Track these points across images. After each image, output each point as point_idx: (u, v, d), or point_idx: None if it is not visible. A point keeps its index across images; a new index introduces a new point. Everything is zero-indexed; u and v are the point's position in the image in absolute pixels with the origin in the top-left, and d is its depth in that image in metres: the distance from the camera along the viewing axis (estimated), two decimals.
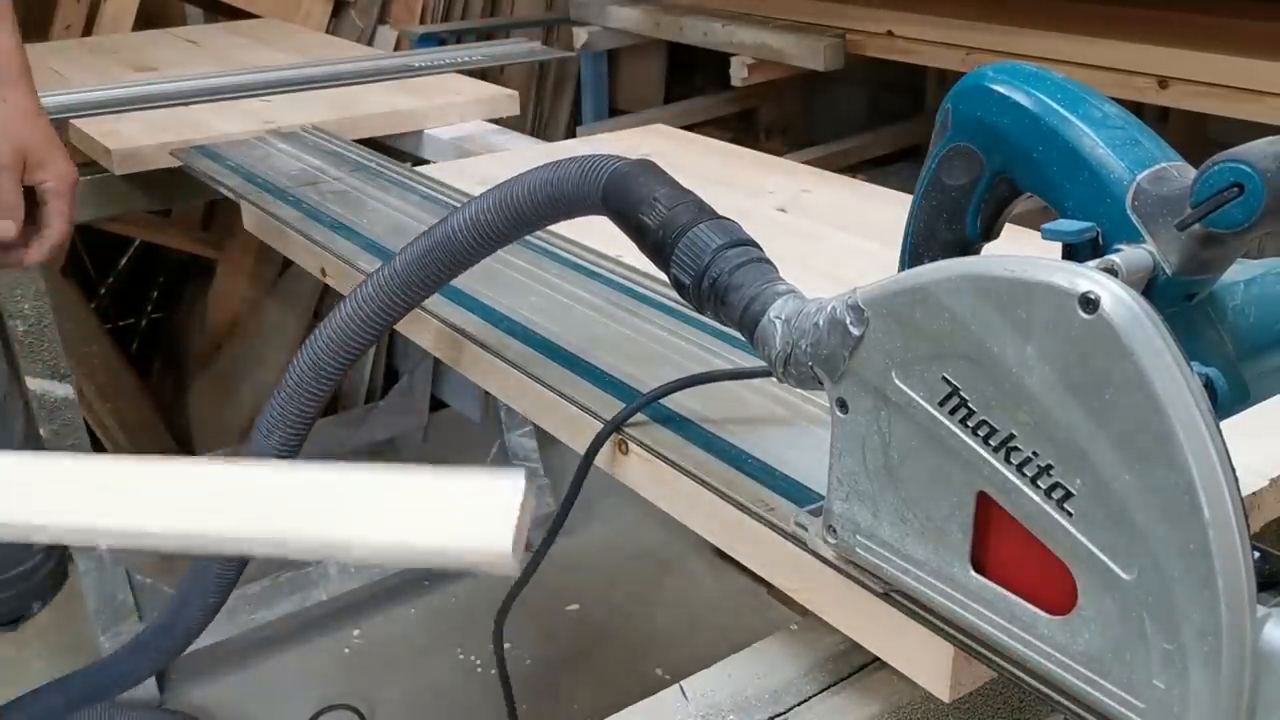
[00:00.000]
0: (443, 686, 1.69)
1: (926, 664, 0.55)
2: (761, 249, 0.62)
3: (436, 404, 2.36)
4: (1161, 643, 0.41)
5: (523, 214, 0.69)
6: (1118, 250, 0.47)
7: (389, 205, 1.18)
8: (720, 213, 0.63)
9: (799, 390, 0.64)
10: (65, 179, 1.07)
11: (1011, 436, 0.44)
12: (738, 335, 0.60)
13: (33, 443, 1.66)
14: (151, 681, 1.69)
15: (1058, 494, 0.43)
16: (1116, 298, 0.40)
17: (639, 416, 0.72)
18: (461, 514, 0.27)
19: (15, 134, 1.04)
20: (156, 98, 1.55)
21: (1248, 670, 0.40)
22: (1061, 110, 0.50)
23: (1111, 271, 0.44)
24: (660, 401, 0.72)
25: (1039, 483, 0.43)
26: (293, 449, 0.79)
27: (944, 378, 0.46)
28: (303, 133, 1.45)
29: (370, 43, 2.42)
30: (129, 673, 1.08)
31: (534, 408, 0.80)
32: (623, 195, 0.64)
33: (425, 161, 1.51)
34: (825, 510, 0.55)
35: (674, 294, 0.64)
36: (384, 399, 2.30)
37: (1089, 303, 0.40)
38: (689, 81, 2.78)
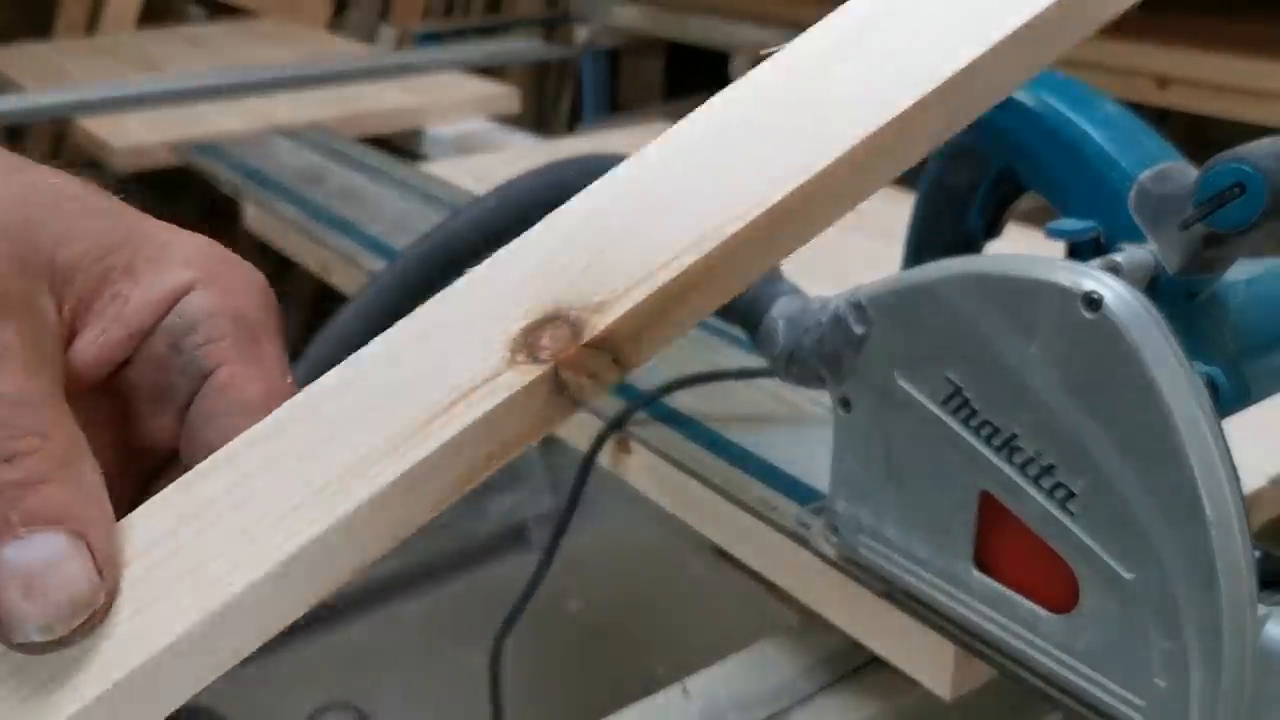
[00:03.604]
0: (444, 684, 1.69)
1: (928, 662, 0.55)
2: None
3: None
4: (1163, 641, 0.41)
5: (524, 214, 0.69)
6: (1120, 249, 0.47)
7: (390, 203, 1.18)
8: None
9: (801, 389, 0.64)
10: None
11: (1014, 436, 0.44)
12: (739, 333, 0.60)
13: None
14: None
15: (1060, 494, 0.43)
16: (1119, 297, 0.40)
17: (641, 415, 0.72)
18: None
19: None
20: (159, 96, 1.55)
21: (1248, 669, 0.40)
22: (1064, 109, 0.50)
23: (1114, 270, 0.44)
24: (662, 400, 0.72)
25: (1041, 482, 0.43)
26: None
27: (947, 377, 0.46)
28: (304, 131, 1.45)
29: (372, 41, 2.42)
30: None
31: None
32: None
33: (426, 159, 1.51)
34: (828, 509, 0.55)
35: None
36: None
37: (1092, 302, 0.40)
38: (690, 80, 2.78)
